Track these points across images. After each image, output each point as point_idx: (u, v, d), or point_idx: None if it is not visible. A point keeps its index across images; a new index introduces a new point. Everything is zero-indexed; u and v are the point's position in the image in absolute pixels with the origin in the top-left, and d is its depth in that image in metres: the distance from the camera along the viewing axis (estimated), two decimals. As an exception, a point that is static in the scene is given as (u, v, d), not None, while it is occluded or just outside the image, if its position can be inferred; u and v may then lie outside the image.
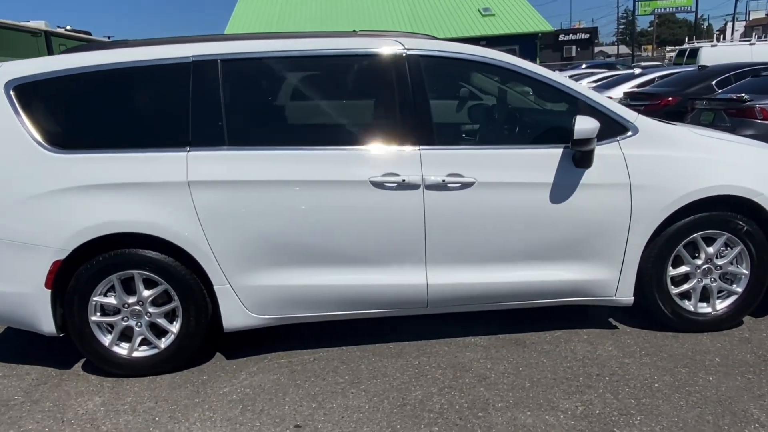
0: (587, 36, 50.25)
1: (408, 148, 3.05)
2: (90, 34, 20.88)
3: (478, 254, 3.13)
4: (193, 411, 2.79)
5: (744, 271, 3.29)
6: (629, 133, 3.17)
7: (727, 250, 3.29)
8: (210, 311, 3.13)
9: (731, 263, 3.31)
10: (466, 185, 3.04)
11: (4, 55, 14.35)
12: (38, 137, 2.99)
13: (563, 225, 3.12)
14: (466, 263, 3.15)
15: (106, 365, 3.14)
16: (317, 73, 3.13)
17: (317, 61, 3.12)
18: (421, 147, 3.06)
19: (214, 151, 3.01)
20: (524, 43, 30.82)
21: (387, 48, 3.13)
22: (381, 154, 3.05)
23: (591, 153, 3.07)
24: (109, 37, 22.40)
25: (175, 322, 3.13)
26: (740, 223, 3.19)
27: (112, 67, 3.05)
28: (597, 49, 64.84)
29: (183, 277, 3.05)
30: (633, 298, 3.26)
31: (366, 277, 3.12)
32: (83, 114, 3.06)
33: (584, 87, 3.24)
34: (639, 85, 11.46)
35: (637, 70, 12.47)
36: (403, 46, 3.14)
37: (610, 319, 3.54)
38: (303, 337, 3.48)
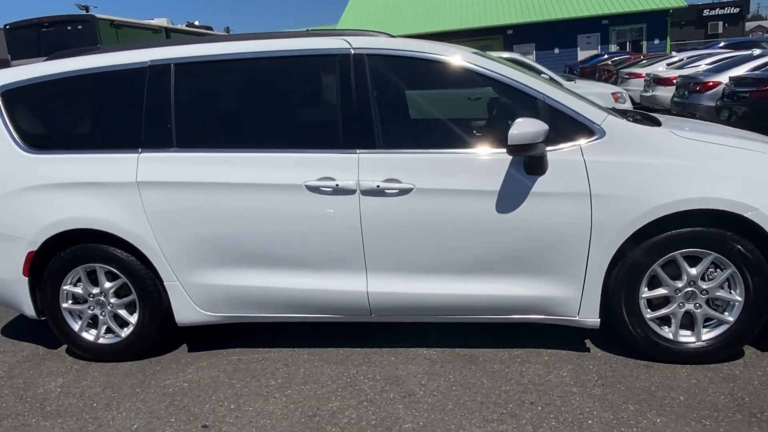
0: (737, 10, 45.13)
1: (347, 152, 2.96)
2: (211, 29, 22.42)
3: (420, 264, 2.97)
4: (128, 400, 2.95)
5: (737, 297, 2.82)
6: (594, 137, 2.83)
7: (716, 272, 2.83)
8: (165, 306, 3.27)
9: (721, 287, 2.85)
10: (404, 191, 2.89)
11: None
12: (17, 138, 3.28)
13: (513, 236, 2.86)
14: (408, 272, 3.00)
15: (76, 348, 3.41)
16: (263, 75, 3.11)
17: (263, 62, 3.10)
18: (360, 150, 2.96)
19: (163, 153, 3.12)
20: (653, 21, 28.43)
21: (333, 48, 3.04)
22: (320, 157, 2.98)
23: (541, 159, 2.78)
24: (228, 30, 23.88)
25: (134, 314, 3.31)
26: (731, 241, 2.73)
27: (79, 73, 3.26)
28: (753, 24, 58.09)
29: (138, 272, 3.21)
30: (599, 319, 2.93)
31: (308, 282, 3.09)
32: (53, 117, 3.30)
33: (547, 85, 2.92)
34: (756, 68, 10.10)
35: (756, 51, 10.97)
36: (350, 45, 3.03)
37: (586, 341, 3.21)
38: (265, 336, 3.53)
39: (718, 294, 2.85)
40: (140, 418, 2.78)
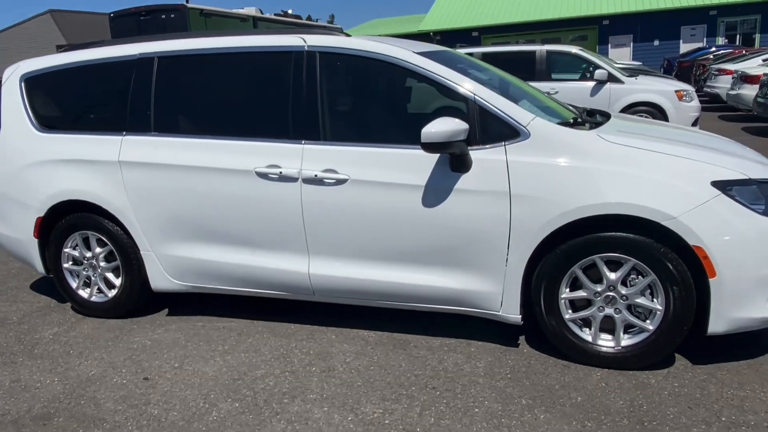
0: None
1: (294, 142, 3.21)
2: (300, 17, 23.20)
3: (356, 250, 3.17)
4: (99, 351, 3.39)
5: (657, 306, 2.80)
6: (519, 138, 2.89)
7: (637, 278, 2.82)
8: (143, 273, 3.68)
9: (642, 295, 2.83)
10: (340, 182, 3.10)
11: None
12: (33, 118, 3.81)
13: (437, 230, 2.99)
14: (345, 258, 3.21)
15: (74, 303, 3.92)
16: (227, 69, 3.40)
17: (227, 57, 3.40)
18: (306, 141, 3.19)
19: (141, 137, 3.51)
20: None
21: (289, 45, 3.28)
22: (270, 146, 3.25)
23: (463, 157, 2.88)
24: (317, 20, 24.59)
25: (119, 278, 3.76)
26: (650, 249, 2.71)
27: (82, 63, 3.72)
28: None
29: (122, 241, 3.64)
30: (520, 316, 3.00)
31: (259, 260, 3.38)
32: (61, 101, 3.79)
33: (479, 86, 2.99)
34: None
35: None
36: (305, 42, 3.26)
37: (522, 337, 3.28)
38: (241, 307, 3.87)
39: (638, 301, 2.83)
40: (99, 367, 3.20)
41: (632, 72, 9.76)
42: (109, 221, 3.65)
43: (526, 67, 9.81)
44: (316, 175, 3.12)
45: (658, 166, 2.73)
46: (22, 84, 3.88)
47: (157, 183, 3.45)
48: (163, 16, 15.75)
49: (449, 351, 3.17)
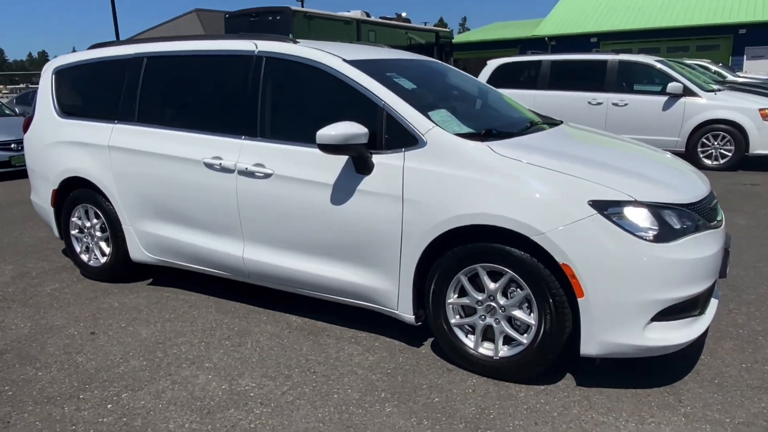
0: None
1: (236, 137, 3.55)
2: (409, 21, 23.61)
3: (278, 240, 3.45)
4: (76, 308, 3.96)
5: (531, 321, 2.80)
6: (417, 145, 3.01)
7: (516, 291, 2.84)
8: (125, 244, 4.22)
9: (519, 308, 2.84)
10: (266, 176, 3.39)
11: (326, 39, 17.79)
12: (56, 105, 4.48)
13: (342, 227, 3.19)
14: (270, 246, 3.50)
15: (77, 266, 4.56)
16: (191, 69, 3.81)
17: (192, 59, 3.82)
18: (245, 137, 3.52)
19: (127, 125, 4.04)
20: None
21: (242, 49, 3.63)
22: (217, 139, 3.61)
23: (363, 159, 3.06)
24: (426, 23, 24.96)
25: (109, 247, 4.33)
26: (525, 263, 2.73)
27: (92, 60, 4.33)
28: None
29: (111, 215, 4.20)
30: (414, 316, 3.11)
31: (206, 241, 3.77)
32: (76, 91, 4.43)
33: (392, 94, 3.12)
34: None
35: None
36: (256, 47, 3.59)
37: (431, 340, 3.38)
38: (211, 283, 4.30)
39: (515, 313, 2.84)
40: (66, 319, 3.76)
41: (710, 88, 9.04)
42: (102, 198, 4.21)
43: (595, 78, 9.46)
44: (247, 168, 3.44)
45: (539, 182, 2.73)
46: (53, 76, 4.57)
47: (132, 166, 3.95)
48: (270, 18, 16.88)
49: (353, 343, 3.35)
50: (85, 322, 3.70)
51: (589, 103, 9.46)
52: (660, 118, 8.97)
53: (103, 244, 4.37)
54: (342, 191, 3.16)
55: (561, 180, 2.72)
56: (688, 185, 2.96)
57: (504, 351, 2.91)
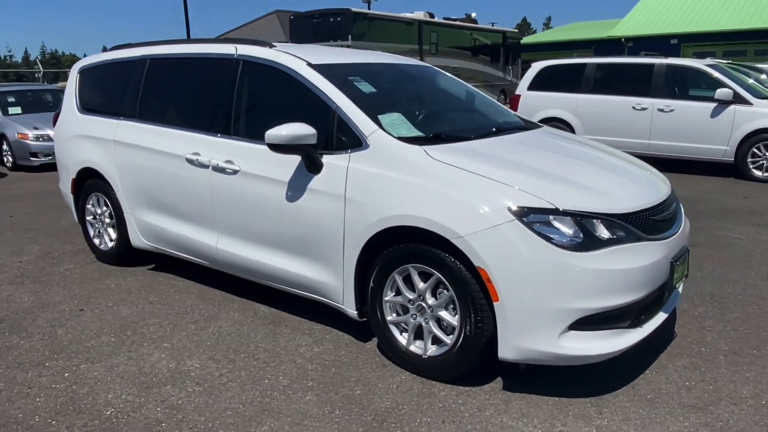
0: None
1: (213, 135, 3.79)
2: (476, 22, 23.44)
3: (244, 232, 3.66)
4: (75, 285, 4.35)
5: (454, 322, 2.85)
6: (361, 147, 3.12)
7: (444, 292, 2.90)
8: (127, 230, 4.58)
9: (445, 309, 2.90)
10: (235, 171, 3.61)
11: (386, 41, 18.06)
12: (78, 102, 4.92)
13: (295, 223, 3.35)
14: (238, 237, 3.72)
15: (91, 250, 4.98)
16: (181, 70, 4.09)
17: (182, 61, 4.10)
18: (220, 135, 3.75)
19: (129, 122, 4.38)
20: None
21: (224, 53, 3.87)
22: (198, 136, 3.87)
23: (311, 159, 3.20)
24: (493, 24, 24.68)
25: (114, 233, 4.71)
26: (449, 265, 2.79)
27: (108, 60, 4.72)
28: None
29: (116, 203, 4.57)
30: (357, 312, 3.23)
31: (188, 231, 4.04)
32: (92, 89, 4.83)
33: (344, 98, 3.23)
34: None
35: None
36: (235, 51, 3.82)
37: (380, 335, 3.48)
38: (206, 271, 4.59)
39: (441, 314, 2.90)
40: (64, 296, 4.14)
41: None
42: (109, 187, 4.59)
43: (641, 82, 9.12)
44: (218, 164, 3.67)
45: (464, 186, 2.78)
46: (78, 75, 5.02)
47: (131, 159, 4.29)
48: (331, 20, 17.33)
49: (306, 334, 3.50)
50: (79, 300, 4.07)
51: (634, 108, 9.13)
52: (708, 126, 8.53)
53: (110, 230, 4.76)
54: (295, 189, 3.32)
55: (485, 185, 2.76)
56: (630, 195, 2.90)
57: (432, 350, 2.98)
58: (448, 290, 2.86)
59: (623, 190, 2.93)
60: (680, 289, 3.43)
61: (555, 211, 2.65)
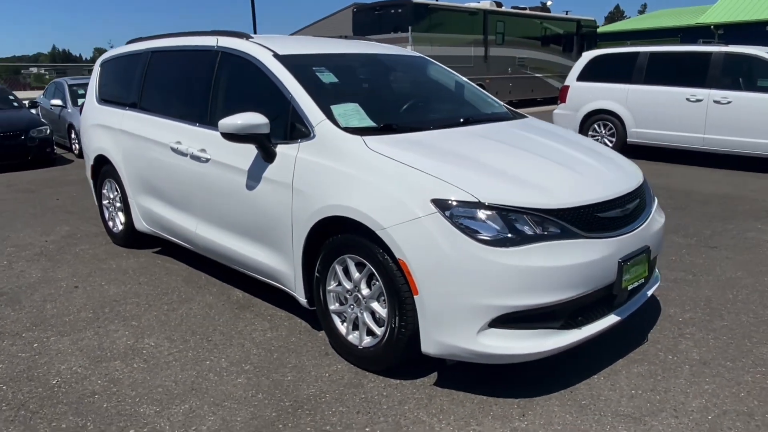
0: None
1: (192, 124, 3.94)
2: (549, 11, 22.65)
3: (216, 218, 3.78)
4: (82, 264, 4.66)
5: (383, 313, 2.83)
6: (309, 137, 3.14)
7: (376, 284, 2.88)
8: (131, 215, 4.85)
9: (377, 300, 2.88)
10: (207, 160, 3.74)
11: (448, 32, 17.88)
12: (97, 93, 5.25)
13: (253, 210, 3.42)
14: (212, 224, 3.85)
15: (107, 232, 5.31)
16: (172, 62, 4.26)
17: (172, 53, 4.27)
18: (199, 124, 3.90)
19: (132, 112, 4.63)
20: None
21: (206, 45, 3.99)
22: (181, 126, 4.03)
23: (264, 149, 3.27)
24: (567, 12, 23.77)
25: (123, 216, 5.01)
26: (379, 257, 2.77)
27: (122, 54, 5.00)
28: None
29: (123, 188, 4.85)
30: (306, 300, 3.27)
31: (175, 216, 4.23)
32: (108, 81, 5.13)
33: (300, 89, 3.25)
34: None
35: None
36: (216, 43, 3.94)
37: (336, 324, 3.51)
38: (196, 258, 4.79)
39: (372, 305, 2.89)
40: (67, 273, 4.45)
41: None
42: (117, 174, 4.87)
43: (697, 72, 8.53)
44: (194, 153, 3.81)
45: (392, 177, 2.74)
46: (99, 67, 5.34)
47: (131, 147, 4.54)
48: (392, 11, 17.31)
49: (266, 319, 3.59)
50: (78, 278, 4.36)
51: (688, 99, 8.55)
52: (767, 120, 7.86)
53: (120, 214, 5.05)
54: (253, 178, 3.39)
55: (413, 177, 2.71)
56: (571, 190, 2.75)
57: (366, 341, 2.97)
58: (378, 282, 2.84)
59: (565, 185, 2.78)
60: (649, 292, 3.22)
61: (479, 205, 2.56)
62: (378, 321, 2.92)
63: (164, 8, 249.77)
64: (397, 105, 3.78)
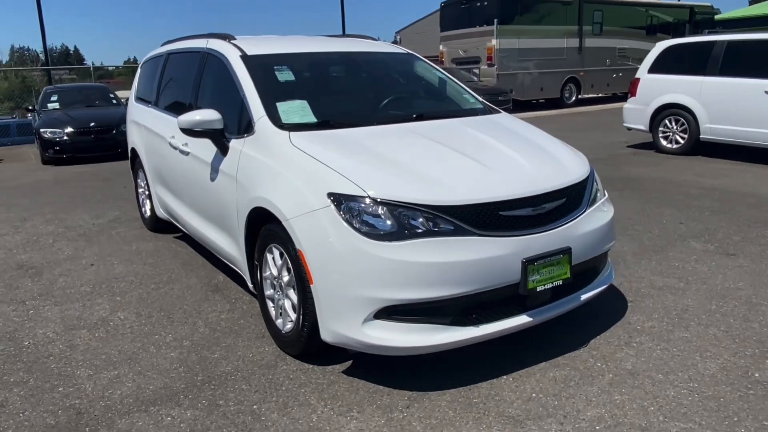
0: None
1: (185, 120, 4.30)
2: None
3: (197, 207, 4.11)
4: (108, 245, 5.22)
5: (296, 301, 2.99)
6: (251, 132, 3.36)
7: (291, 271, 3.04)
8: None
9: (292, 287, 3.03)
10: (187, 153, 4.08)
11: (539, 23, 17.35)
12: (135, 92, 5.82)
13: (215, 199, 3.70)
14: (196, 212, 4.18)
15: (141, 217, 5.88)
16: (177, 63, 4.64)
17: (182, 54, 4.65)
18: (190, 120, 4.24)
19: (152, 108, 5.11)
20: None
21: (198, 47, 4.33)
22: (176, 121, 4.40)
23: (219, 143, 3.53)
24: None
25: (149, 203, 5.53)
26: (288, 246, 2.94)
27: (156, 55, 5.50)
28: None
29: (147, 178, 5.37)
30: (252, 285, 3.50)
31: (175, 204, 4.63)
32: (142, 80, 5.67)
33: (251, 87, 3.45)
34: None
35: None
36: (206, 45, 4.27)
37: (289, 310, 3.70)
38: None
39: (288, 292, 3.05)
40: (92, 254, 5.01)
41: None
42: (142, 164, 5.39)
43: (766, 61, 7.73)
44: (180, 147, 4.17)
45: (302, 171, 2.88)
46: (140, 68, 5.91)
47: (149, 141, 5.01)
48: (478, 4, 17.10)
49: (230, 302, 3.85)
50: (99, 257, 4.91)
51: (766, 92, 7.77)
52: None
53: (148, 202, 5.58)
54: (214, 170, 3.67)
55: (318, 171, 2.83)
56: (473, 187, 2.73)
57: (287, 327, 3.13)
58: (291, 271, 2.99)
59: (468, 182, 2.77)
60: (585, 296, 3.10)
61: (366, 199, 2.64)
62: (294, 308, 3.08)
63: (262, 8, 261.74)
64: (354, 102, 3.89)
